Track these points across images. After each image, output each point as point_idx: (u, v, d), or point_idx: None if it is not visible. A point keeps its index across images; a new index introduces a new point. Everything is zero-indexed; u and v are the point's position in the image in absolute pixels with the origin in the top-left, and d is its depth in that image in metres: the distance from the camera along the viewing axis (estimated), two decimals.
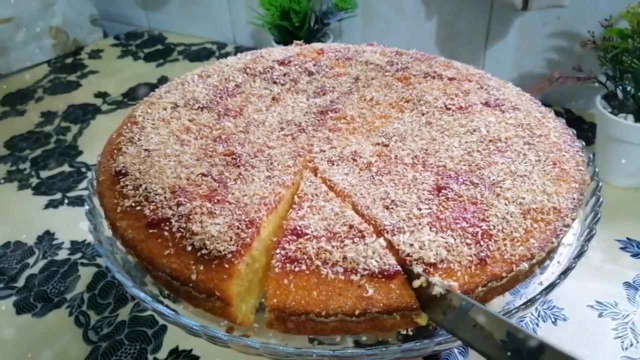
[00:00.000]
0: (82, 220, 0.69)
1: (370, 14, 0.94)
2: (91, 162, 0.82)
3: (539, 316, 0.54)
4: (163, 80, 1.04)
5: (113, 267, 0.38)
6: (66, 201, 0.75)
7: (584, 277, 0.58)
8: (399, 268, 0.32)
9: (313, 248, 0.33)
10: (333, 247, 0.33)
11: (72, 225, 0.70)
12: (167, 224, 0.36)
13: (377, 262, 0.32)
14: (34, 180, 0.79)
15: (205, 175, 0.40)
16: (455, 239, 0.34)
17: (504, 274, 0.34)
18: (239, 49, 1.13)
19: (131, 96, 1.00)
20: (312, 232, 0.34)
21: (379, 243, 0.33)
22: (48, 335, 0.56)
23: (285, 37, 0.86)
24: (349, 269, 0.32)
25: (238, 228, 0.35)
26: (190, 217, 0.36)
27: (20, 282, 0.62)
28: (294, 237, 0.34)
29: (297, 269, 0.32)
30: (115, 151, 0.44)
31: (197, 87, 0.52)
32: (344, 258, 0.32)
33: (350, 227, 0.34)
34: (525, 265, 0.34)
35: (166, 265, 0.34)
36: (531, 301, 0.35)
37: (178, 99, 0.50)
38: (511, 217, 0.36)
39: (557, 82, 0.69)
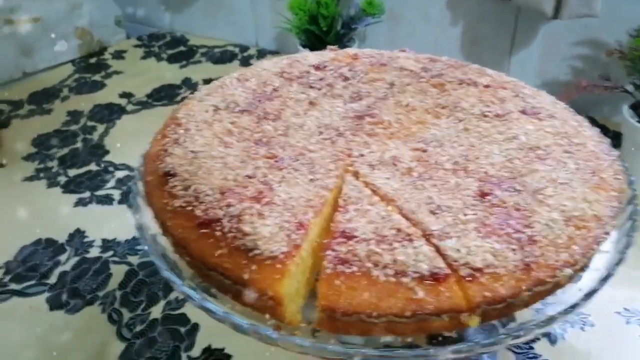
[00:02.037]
0: (112, 219, 0.71)
1: (395, 19, 0.95)
2: (118, 161, 0.84)
3: (566, 322, 0.55)
4: (187, 81, 1.06)
5: (162, 265, 0.39)
6: (95, 200, 0.76)
7: (611, 283, 0.58)
8: (449, 271, 0.33)
9: (363, 250, 0.34)
10: (383, 249, 0.34)
11: (102, 223, 0.71)
12: (218, 224, 0.37)
13: (427, 265, 0.33)
14: (62, 179, 0.81)
15: (251, 177, 0.41)
16: (500, 245, 0.34)
17: (548, 279, 0.34)
18: (261, 52, 1.15)
19: (156, 97, 1.01)
20: (361, 234, 0.35)
21: (427, 247, 0.34)
22: (82, 331, 0.57)
23: (312, 41, 0.87)
24: (399, 272, 0.33)
25: (288, 230, 0.36)
26: (241, 217, 0.37)
27: (53, 279, 0.63)
28: (344, 240, 0.35)
29: (348, 271, 0.33)
30: (161, 152, 0.45)
31: (237, 90, 0.53)
32: (394, 261, 0.33)
33: (398, 230, 0.35)
34: (569, 271, 0.35)
35: (218, 264, 0.35)
36: (574, 307, 0.35)
37: (219, 101, 0.51)
38: (554, 224, 0.37)
39: (584, 90, 0.69)
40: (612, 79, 0.72)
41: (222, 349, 0.53)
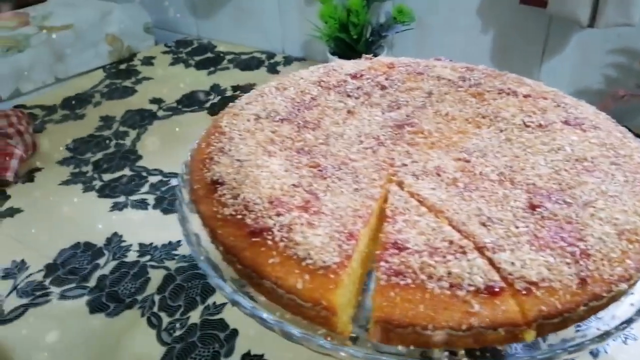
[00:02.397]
0: (147, 224, 0.72)
1: (424, 26, 0.95)
2: (151, 166, 0.85)
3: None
4: (216, 87, 1.07)
5: (212, 273, 0.39)
6: (130, 204, 0.77)
7: None
8: (504, 285, 0.33)
9: (416, 262, 0.34)
10: (436, 262, 0.34)
11: (138, 228, 0.72)
12: (269, 233, 0.37)
13: (482, 278, 0.33)
14: (98, 183, 0.82)
15: (296, 186, 0.42)
16: (555, 258, 0.34)
17: (604, 294, 0.34)
18: (287, 59, 1.16)
19: (185, 103, 1.03)
20: (412, 246, 0.35)
21: (481, 260, 0.34)
22: (123, 334, 0.57)
23: (341, 49, 0.88)
24: (454, 284, 0.33)
25: (339, 240, 0.36)
26: (291, 227, 0.37)
27: (92, 282, 0.64)
28: (396, 251, 0.35)
29: (402, 282, 0.33)
30: (207, 160, 0.45)
31: (276, 99, 0.54)
32: (449, 273, 0.33)
33: (451, 242, 0.35)
34: (624, 286, 0.35)
35: (271, 273, 0.36)
36: (628, 322, 0.35)
37: (260, 110, 0.52)
38: (607, 237, 0.36)
39: (621, 100, 0.68)
40: None
41: (262, 355, 0.54)
